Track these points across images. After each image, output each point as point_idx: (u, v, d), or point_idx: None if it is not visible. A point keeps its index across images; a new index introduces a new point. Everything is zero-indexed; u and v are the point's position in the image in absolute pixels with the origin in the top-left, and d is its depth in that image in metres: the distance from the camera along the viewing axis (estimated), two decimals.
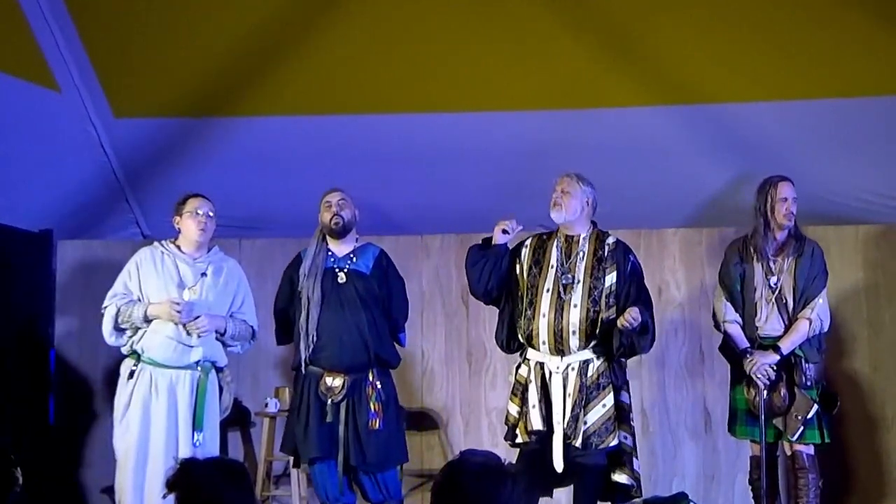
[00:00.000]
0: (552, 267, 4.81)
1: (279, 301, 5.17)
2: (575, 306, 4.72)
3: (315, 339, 4.93)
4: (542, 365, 4.76)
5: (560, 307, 4.73)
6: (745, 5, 5.48)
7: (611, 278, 4.78)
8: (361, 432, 4.86)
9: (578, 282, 4.76)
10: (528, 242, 4.95)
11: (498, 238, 4.80)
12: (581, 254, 4.82)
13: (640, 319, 4.60)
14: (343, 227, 5.05)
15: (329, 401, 4.89)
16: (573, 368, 4.71)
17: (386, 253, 5.20)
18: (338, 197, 5.09)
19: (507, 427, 4.87)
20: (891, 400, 5.92)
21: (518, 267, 4.89)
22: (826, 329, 5.06)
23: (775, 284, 5.02)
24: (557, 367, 4.72)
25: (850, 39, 5.46)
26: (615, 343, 4.70)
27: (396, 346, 5.18)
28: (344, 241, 5.09)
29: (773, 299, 5.02)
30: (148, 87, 6.05)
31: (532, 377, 4.76)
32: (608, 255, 4.81)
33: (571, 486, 4.85)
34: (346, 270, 5.03)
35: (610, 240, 4.88)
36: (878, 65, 5.53)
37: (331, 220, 5.04)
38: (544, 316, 4.73)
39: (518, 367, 4.88)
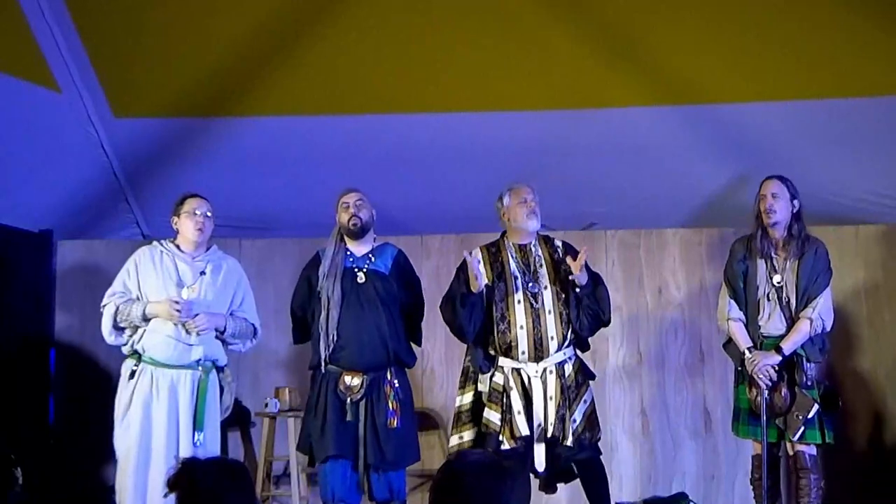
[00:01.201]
0: (515, 278, 4.87)
1: (296, 301, 5.15)
2: (549, 313, 4.84)
3: (335, 338, 4.93)
4: (518, 371, 4.82)
5: (536, 316, 4.83)
6: (745, 5, 5.48)
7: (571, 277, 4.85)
8: (380, 431, 4.86)
9: (545, 287, 4.87)
10: (477, 256, 4.95)
11: (479, 285, 4.79)
12: (537, 259, 4.93)
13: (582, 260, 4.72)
14: (361, 228, 5.04)
15: (348, 399, 4.88)
16: (551, 371, 4.81)
17: (404, 253, 5.20)
18: (355, 197, 5.08)
19: (487, 435, 4.83)
20: (891, 400, 5.92)
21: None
22: (829, 328, 5.03)
23: (778, 283, 5.01)
24: (536, 371, 4.81)
25: (850, 40, 5.46)
26: (583, 318, 4.81)
27: (412, 345, 5.18)
28: (362, 241, 5.08)
29: (776, 298, 5.01)
30: (148, 87, 6.05)
31: (512, 384, 4.81)
32: (563, 257, 4.89)
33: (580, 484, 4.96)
34: (365, 270, 5.02)
35: (557, 242, 5.02)
36: (877, 65, 5.53)
37: (349, 220, 5.03)
38: (522, 328, 4.82)
39: (492, 375, 4.89)
